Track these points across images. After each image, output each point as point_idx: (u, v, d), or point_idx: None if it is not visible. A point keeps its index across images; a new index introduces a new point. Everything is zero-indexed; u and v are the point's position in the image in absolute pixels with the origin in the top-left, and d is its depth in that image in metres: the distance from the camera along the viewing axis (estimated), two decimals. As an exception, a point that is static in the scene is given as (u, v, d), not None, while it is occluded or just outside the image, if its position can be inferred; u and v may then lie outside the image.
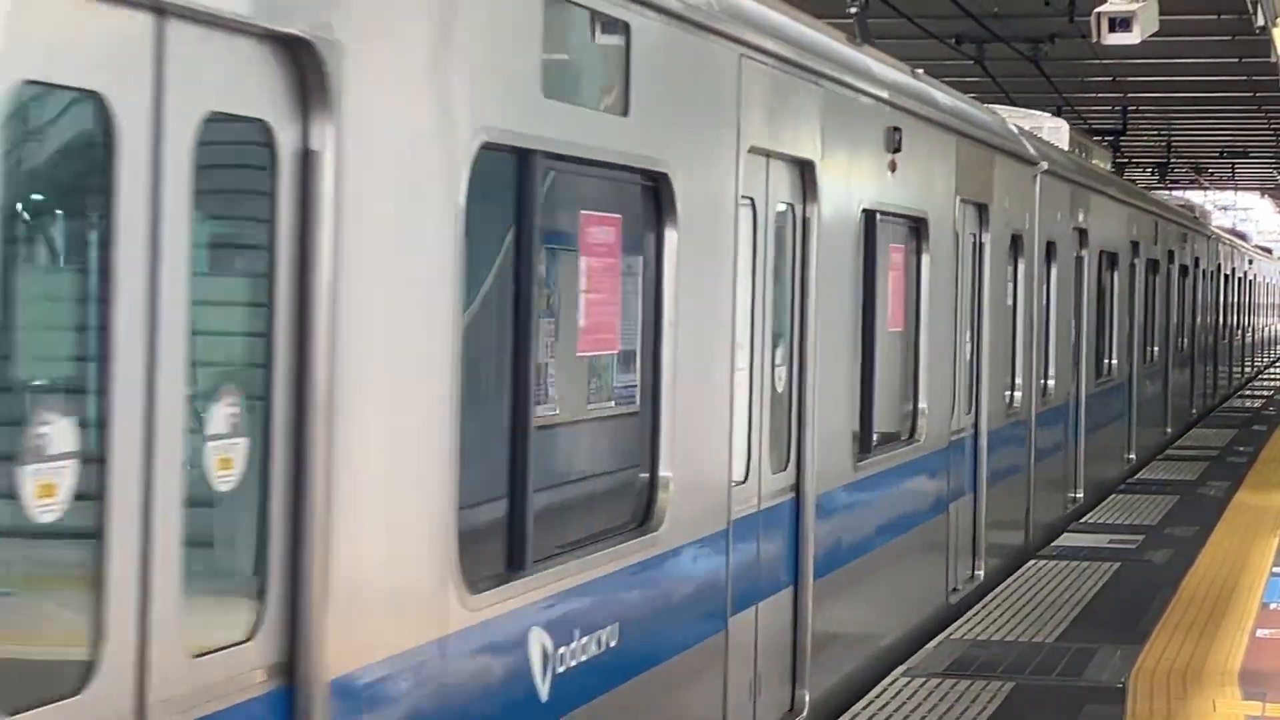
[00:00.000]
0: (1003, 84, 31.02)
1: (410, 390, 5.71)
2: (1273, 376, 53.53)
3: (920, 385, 12.74)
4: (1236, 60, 30.38)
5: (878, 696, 10.94)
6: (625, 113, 7.43)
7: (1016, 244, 16.26)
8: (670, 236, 7.96)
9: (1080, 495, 20.31)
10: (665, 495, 7.93)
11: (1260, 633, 13.08)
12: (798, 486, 10.03)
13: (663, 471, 7.93)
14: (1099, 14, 17.56)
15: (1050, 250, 17.98)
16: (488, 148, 6.12)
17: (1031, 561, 16.25)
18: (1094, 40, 17.82)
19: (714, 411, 8.53)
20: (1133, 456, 24.60)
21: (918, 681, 11.36)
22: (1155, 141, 45.79)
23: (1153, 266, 26.11)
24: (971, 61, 28.53)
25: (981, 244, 14.77)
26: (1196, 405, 33.29)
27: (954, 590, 13.92)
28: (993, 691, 11.18)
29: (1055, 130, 21.93)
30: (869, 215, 11.21)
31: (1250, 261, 48.83)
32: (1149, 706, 10.84)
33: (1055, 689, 11.31)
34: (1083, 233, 19.92)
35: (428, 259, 5.78)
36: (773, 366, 9.74)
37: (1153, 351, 26.49)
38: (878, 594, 11.83)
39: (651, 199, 7.98)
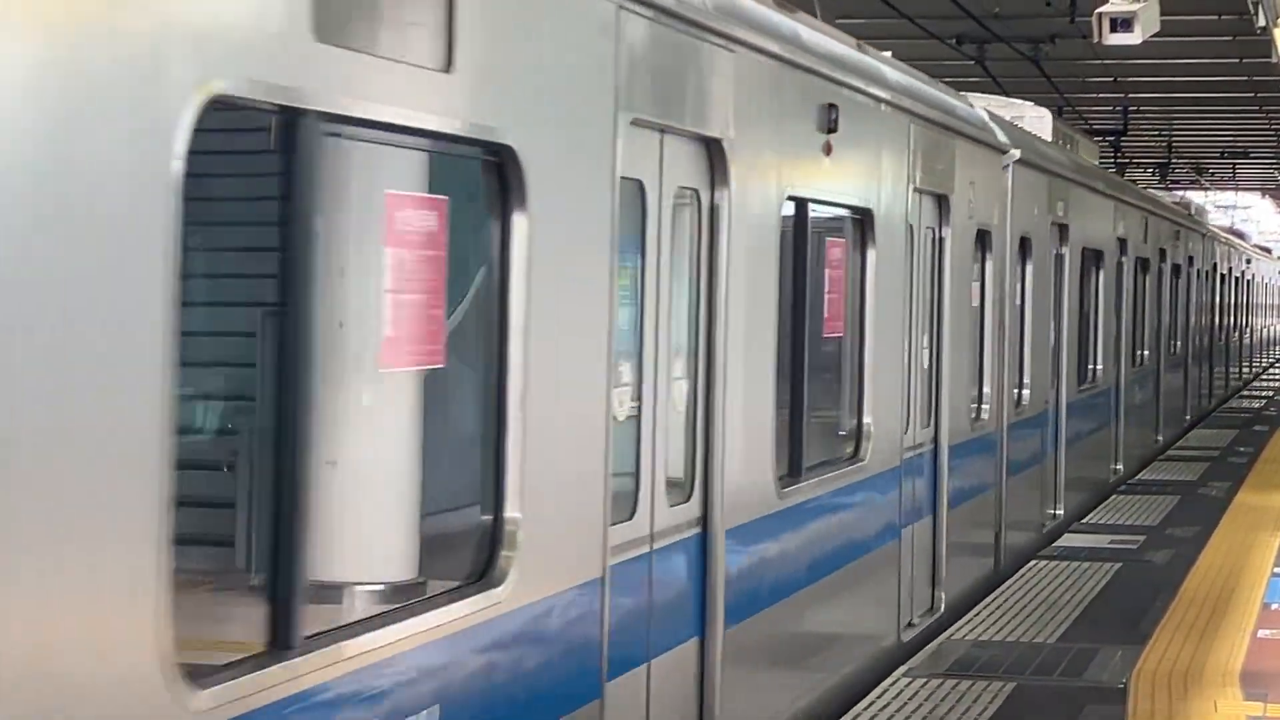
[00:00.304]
0: (1003, 84, 31.01)
1: None
2: (1272, 378, 52.82)
3: (865, 398, 11.27)
4: (1237, 60, 30.39)
5: (878, 697, 10.93)
6: (448, 68, 6.04)
7: (984, 240, 14.94)
8: (518, 223, 6.65)
9: (1060, 511, 18.90)
10: (511, 542, 6.62)
11: (1261, 633, 13.07)
12: (705, 520, 8.68)
13: (509, 513, 6.61)
14: (1100, 14, 17.56)
15: (1025, 247, 16.66)
16: (222, 102, 4.82)
17: (1032, 562, 16.24)
18: (1095, 40, 17.83)
19: (581, 438, 7.22)
20: (1119, 466, 23.25)
21: (918, 682, 11.36)
22: (1156, 142, 45.79)
23: (1142, 265, 24.86)
24: (972, 62, 28.53)
25: (941, 239, 13.40)
26: (1190, 410, 32.03)
27: (909, 625, 12.51)
28: (994, 692, 11.17)
29: (1038, 120, 20.50)
30: (799, 204, 9.87)
31: (1249, 261, 47.63)
32: (1150, 707, 10.83)
33: (1056, 690, 11.30)
34: (1063, 228, 18.67)
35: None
36: (669, 381, 8.33)
37: (1142, 355, 25.22)
38: (808, 639, 10.47)
39: (495, 176, 6.66)
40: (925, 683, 11.35)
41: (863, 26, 25.07)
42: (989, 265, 15.10)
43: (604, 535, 7.40)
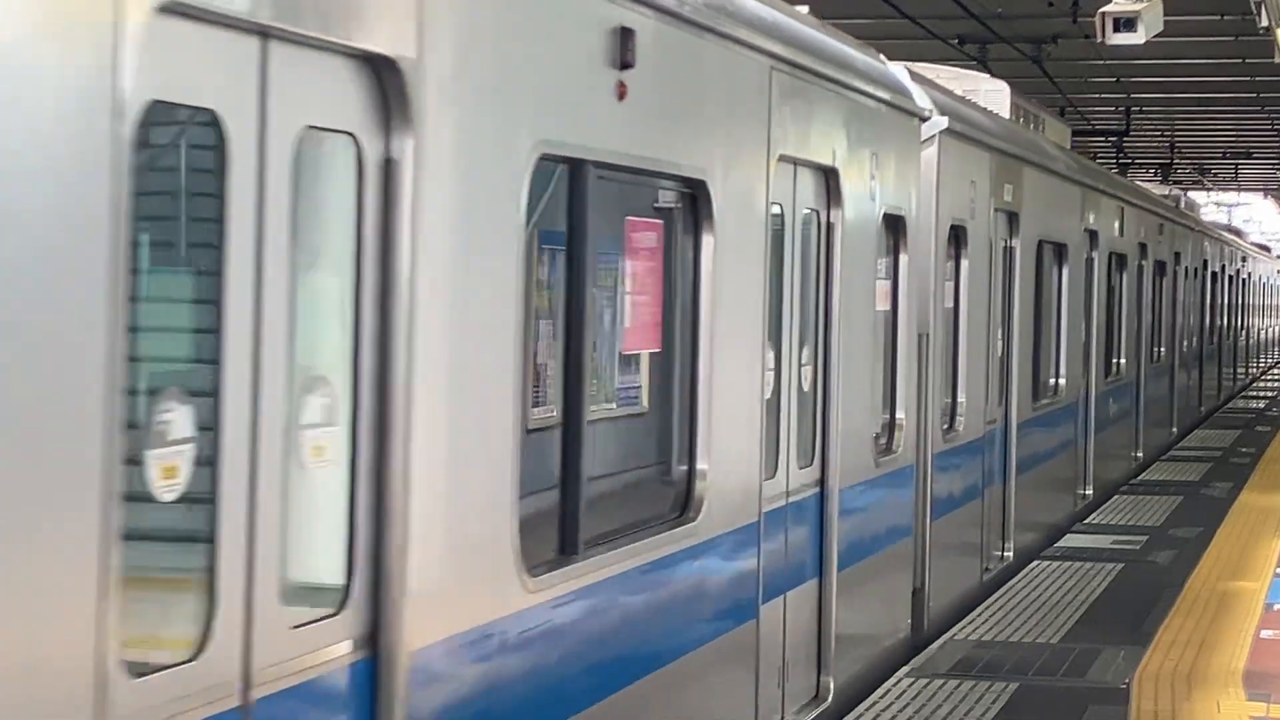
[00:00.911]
0: (1006, 85, 30.98)
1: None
2: (1272, 380, 51.25)
3: (699, 437, 8.24)
4: (1240, 61, 30.39)
5: (882, 697, 10.92)
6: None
7: (896, 228, 11.74)
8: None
9: (1009, 553, 15.93)
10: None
11: (1264, 634, 13.06)
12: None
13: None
14: (1104, 14, 17.56)
15: (958, 238, 13.65)
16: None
17: (1035, 562, 16.22)
18: (1099, 40, 17.82)
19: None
20: (1087, 492, 20.44)
21: (921, 682, 11.35)
22: (1159, 142, 45.79)
23: (1119, 262, 22.20)
24: (975, 62, 28.52)
25: (829, 225, 10.34)
26: (1178, 421, 29.08)
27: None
28: (997, 692, 11.16)
29: (995, 93, 17.70)
30: (575, 166, 7.00)
31: (1244, 259, 44.43)
32: (1153, 707, 10.83)
33: (1059, 690, 11.29)
34: (1013, 217, 15.55)
35: None
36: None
37: (1118, 364, 22.55)
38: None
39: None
40: (928, 683, 11.34)
41: (864, 27, 25.07)
42: (904, 260, 11.89)
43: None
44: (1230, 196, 69.12)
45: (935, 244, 13.00)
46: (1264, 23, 19.50)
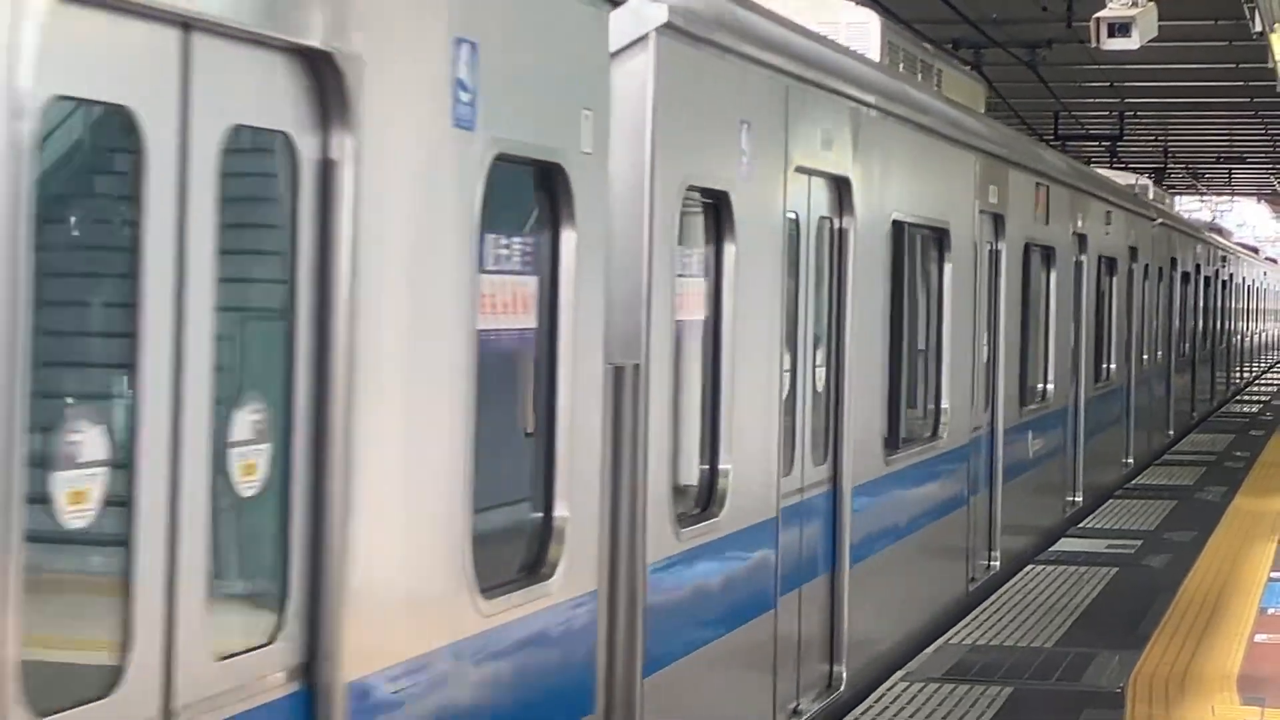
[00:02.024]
0: (1000, 89, 31.04)
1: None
2: (1254, 400, 42.70)
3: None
4: (1234, 66, 30.42)
5: (876, 701, 10.94)
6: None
7: (553, 183, 7.01)
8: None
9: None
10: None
11: (1258, 638, 13.08)
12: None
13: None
14: (1098, 19, 17.59)
15: (721, 209, 8.56)
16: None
17: (1030, 566, 16.24)
18: (1093, 45, 17.85)
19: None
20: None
21: (916, 686, 11.36)
22: (1152, 147, 45.83)
23: (1045, 257, 17.50)
24: (969, 67, 28.54)
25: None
26: (1135, 452, 24.33)
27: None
28: (991, 696, 11.18)
29: (860, 26, 12.64)
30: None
31: (1224, 259, 39.37)
32: (1148, 711, 10.84)
33: (1054, 694, 11.31)
34: (840, 184, 10.49)
35: None
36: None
37: (1043, 390, 17.80)
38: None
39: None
40: (923, 686, 11.35)
41: (860, 31, 25.06)
42: (574, 232, 7.60)
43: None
44: (1224, 201, 69.22)
45: (654, 210, 11.62)
46: (1257, 28, 19.53)
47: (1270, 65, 22.64)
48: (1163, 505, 20.92)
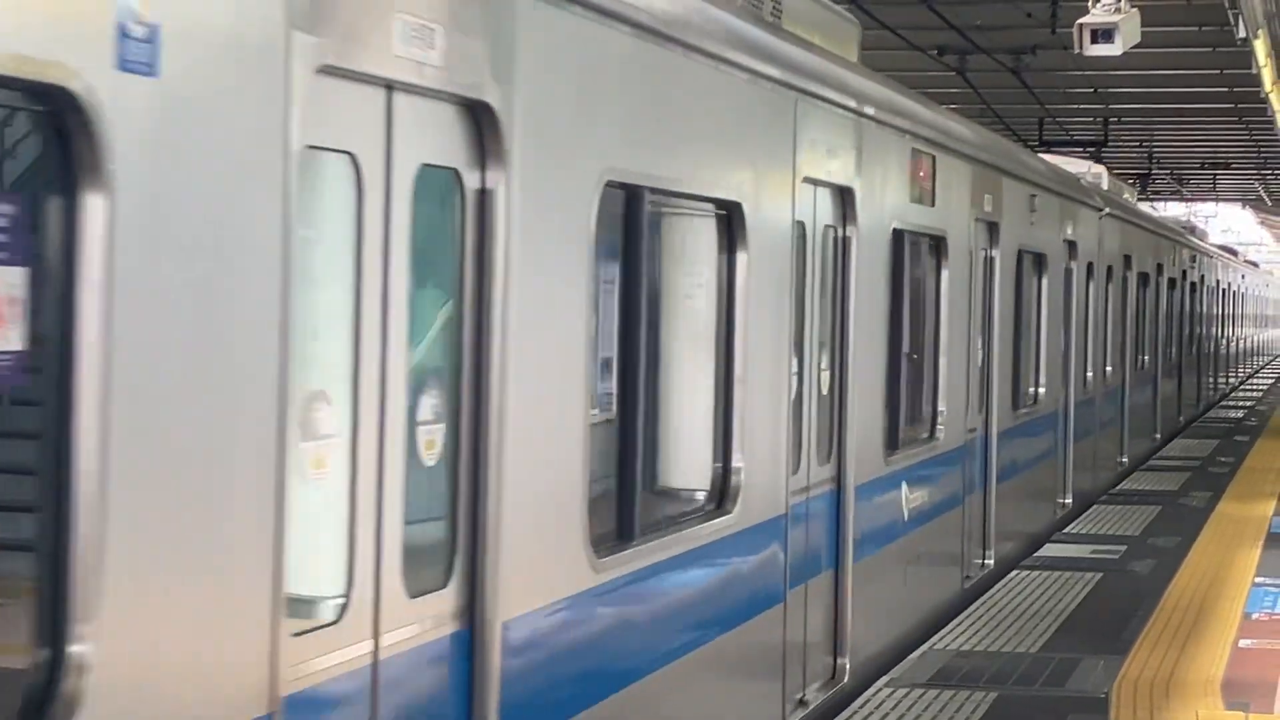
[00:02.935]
0: (985, 95, 31.10)
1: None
2: (1223, 420, 38.01)
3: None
4: (1218, 72, 30.49)
5: (861, 707, 10.94)
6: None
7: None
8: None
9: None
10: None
11: (1243, 643, 13.10)
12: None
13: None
14: (1081, 25, 17.61)
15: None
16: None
17: (1014, 572, 16.26)
18: (1076, 51, 17.87)
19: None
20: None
21: (901, 692, 11.37)
22: (1137, 153, 45.91)
23: (935, 248, 13.59)
24: (954, 73, 28.59)
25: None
26: (1076, 491, 20.84)
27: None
28: (976, 702, 11.19)
29: None
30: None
31: (1194, 259, 35.53)
32: (1132, 717, 10.85)
33: (1038, 699, 11.32)
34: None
35: None
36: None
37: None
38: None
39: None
40: (908, 692, 11.36)
41: (844, 37, 25.09)
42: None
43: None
44: (1210, 208, 69.33)
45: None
46: (1241, 34, 19.58)
47: (1254, 71, 22.70)
48: (1148, 510, 20.95)
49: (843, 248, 10.99)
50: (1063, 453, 19.92)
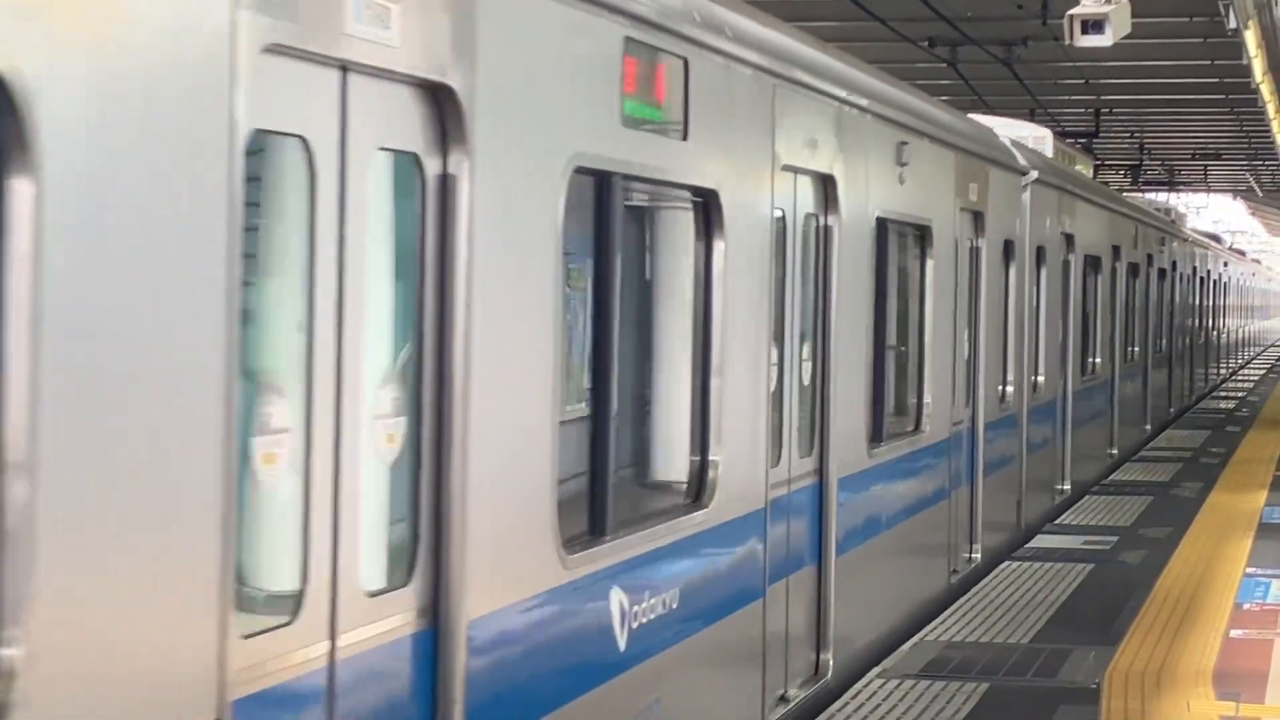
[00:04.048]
0: (975, 87, 31.10)
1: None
2: (1210, 407, 36.29)
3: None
4: (1209, 63, 30.49)
5: (852, 698, 10.94)
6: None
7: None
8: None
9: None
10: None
11: (1234, 633, 13.11)
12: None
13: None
14: (1071, 16, 17.62)
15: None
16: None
17: (1006, 563, 16.26)
18: (1067, 42, 17.88)
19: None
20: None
21: (892, 683, 11.37)
22: (1128, 144, 45.94)
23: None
24: (944, 64, 28.59)
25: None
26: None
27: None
28: (967, 693, 11.19)
29: None
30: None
31: (1163, 241, 30.69)
32: (1123, 707, 10.86)
33: (1030, 690, 11.32)
34: (978, 216, 13.42)
35: None
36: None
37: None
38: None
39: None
40: (899, 683, 11.36)
41: (834, 29, 25.14)
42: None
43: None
44: (1201, 198, 69.33)
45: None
46: (1232, 25, 19.59)
47: (1245, 62, 22.72)
48: (1139, 501, 20.97)
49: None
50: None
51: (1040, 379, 18.51)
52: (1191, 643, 12.74)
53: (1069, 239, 20.21)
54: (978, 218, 15.16)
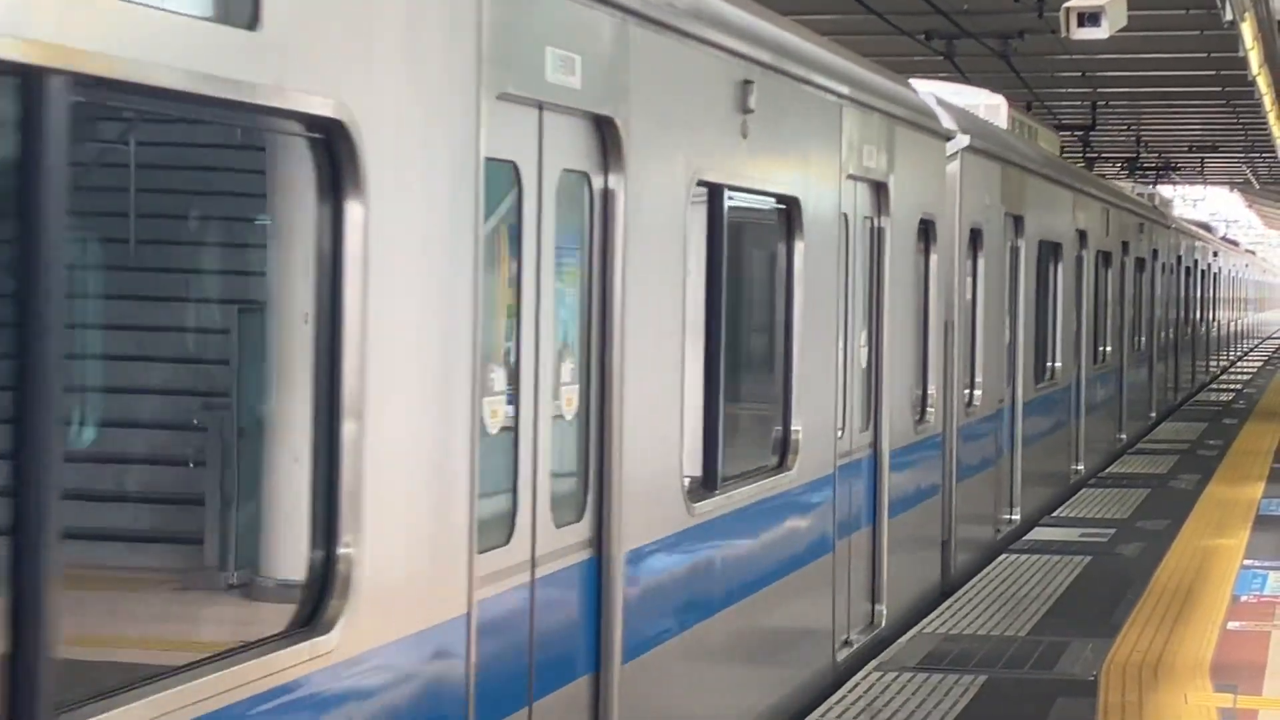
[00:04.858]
0: (973, 80, 31.06)
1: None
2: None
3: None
4: (1205, 55, 30.50)
5: (850, 691, 10.96)
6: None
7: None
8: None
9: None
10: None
11: (1231, 625, 13.13)
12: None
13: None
14: (1068, 9, 17.61)
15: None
16: None
17: (1003, 555, 16.28)
18: (1063, 35, 17.87)
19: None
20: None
21: (890, 675, 11.39)
22: (1125, 136, 45.93)
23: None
24: (941, 57, 28.59)
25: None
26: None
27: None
28: (965, 685, 11.21)
29: None
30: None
31: (1142, 226, 27.78)
32: (1121, 699, 10.88)
33: (1027, 682, 11.34)
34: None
35: None
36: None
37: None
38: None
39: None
40: (897, 676, 11.38)
41: (831, 23, 25.12)
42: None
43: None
44: (1199, 190, 69.30)
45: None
46: (1228, 17, 19.58)
47: (1241, 54, 22.71)
48: (1136, 493, 20.99)
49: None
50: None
51: (977, 391, 15.83)
52: (1189, 635, 12.75)
53: (1017, 221, 17.50)
54: (878, 190, 12.12)
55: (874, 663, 11.75)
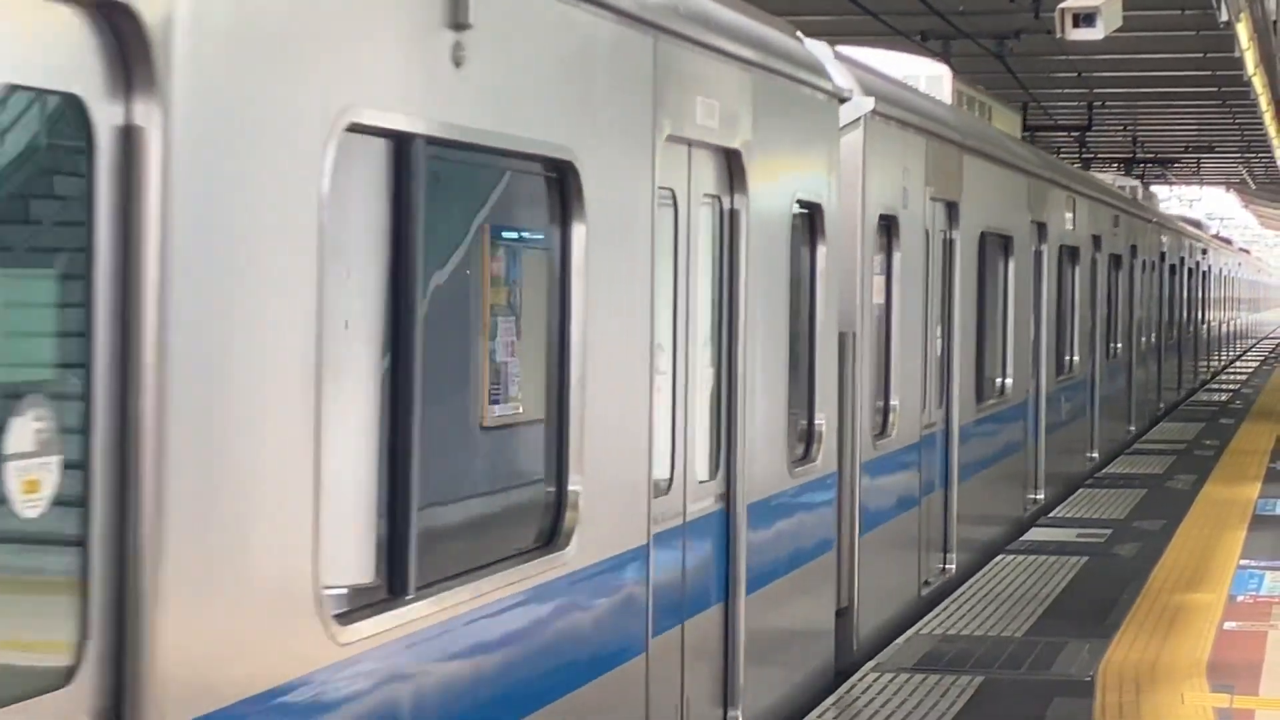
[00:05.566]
0: (969, 80, 31.08)
1: None
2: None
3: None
4: (1201, 55, 30.53)
5: (848, 691, 10.96)
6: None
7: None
8: (820, 251, 11.30)
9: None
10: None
11: (1228, 625, 13.13)
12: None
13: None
14: (1063, 10, 17.61)
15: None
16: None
17: (1000, 556, 16.28)
18: (1059, 36, 17.88)
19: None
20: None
21: (887, 676, 11.39)
22: (1121, 137, 45.96)
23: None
24: (937, 59, 28.60)
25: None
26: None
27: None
28: (962, 686, 11.21)
29: None
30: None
31: (1117, 222, 24.96)
32: (1118, 699, 10.88)
33: (1024, 683, 11.34)
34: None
35: None
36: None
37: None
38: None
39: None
40: (894, 676, 11.38)
41: (828, 24, 25.14)
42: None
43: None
44: (1195, 191, 69.29)
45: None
46: (1224, 17, 19.60)
47: (1237, 54, 22.73)
48: (1132, 494, 20.99)
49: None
50: None
51: (891, 417, 13.06)
52: (1186, 635, 12.76)
53: (950, 208, 14.76)
54: (730, 159, 9.28)
55: (871, 663, 11.75)
